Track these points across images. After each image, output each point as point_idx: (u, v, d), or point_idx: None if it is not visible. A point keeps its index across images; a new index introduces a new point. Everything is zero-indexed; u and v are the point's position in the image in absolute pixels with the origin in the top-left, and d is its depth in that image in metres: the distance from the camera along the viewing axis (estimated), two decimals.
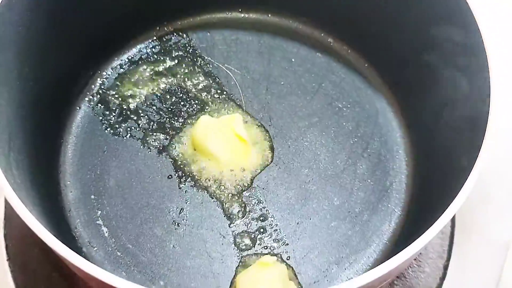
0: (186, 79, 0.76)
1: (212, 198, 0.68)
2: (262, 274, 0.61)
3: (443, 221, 0.49)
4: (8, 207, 0.72)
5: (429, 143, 0.69)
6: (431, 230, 0.49)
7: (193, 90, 0.75)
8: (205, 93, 0.75)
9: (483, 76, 0.57)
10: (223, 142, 0.69)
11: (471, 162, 0.53)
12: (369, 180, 0.70)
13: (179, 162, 0.70)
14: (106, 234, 0.67)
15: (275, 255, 0.65)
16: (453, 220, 0.71)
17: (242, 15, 0.81)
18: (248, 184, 0.69)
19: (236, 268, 0.65)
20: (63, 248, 0.48)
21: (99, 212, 0.68)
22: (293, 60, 0.78)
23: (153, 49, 0.78)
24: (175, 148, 0.71)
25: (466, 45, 0.61)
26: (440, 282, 0.69)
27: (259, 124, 0.73)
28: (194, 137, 0.70)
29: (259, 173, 0.70)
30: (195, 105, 0.74)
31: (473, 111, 0.59)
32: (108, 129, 0.73)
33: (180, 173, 0.69)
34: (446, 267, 0.70)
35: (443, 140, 0.66)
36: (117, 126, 0.73)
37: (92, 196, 0.69)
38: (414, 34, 0.69)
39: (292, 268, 0.65)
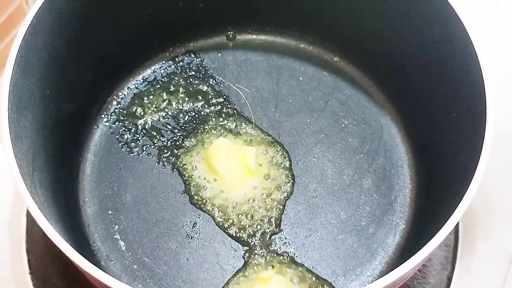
0: (199, 98, 0.79)
1: (223, 212, 0.71)
2: None
3: (446, 230, 0.52)
4: (29, 222, 0.76)
5: (433, 158, 0.71)
6: (435, 239, 0.51)
7: (205, 109, 0.78)
8: (217, 112, 0.78)
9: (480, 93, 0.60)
10: (232, 166, 0.72)
11: (471, 174, 0.55)
12: (374, 195, 0.73)
13: (191, 179, 0.73)
14: (123, 248, 0.70)
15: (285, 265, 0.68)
16: (456, 232, 0.73)
17: (251, 36, 0.84)
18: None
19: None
20: (86, 263, 0.51)
21: (116, 227, 0.71)
22: (300, 78, 0.81)
23: (167, 70, 0.81)
24: (187, 165, 0.74)
25: (468, 63, 0.63)
26: None
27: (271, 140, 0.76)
28: (208, 156, 0.73)
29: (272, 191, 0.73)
30: (207, 123, 0.77)
31: (474, 127, 0.61)
32: (125, 147, 0.76)
33: (192, 189, 0.73)
34: (450, 278, 0.72)
35: (446, 156, 0.68)
36: (133, 144, 0.76)
37: (110, 212, 0.72)
38: (418, 53, 0.72)
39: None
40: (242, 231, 0.70)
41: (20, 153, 0.56)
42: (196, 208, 0.71)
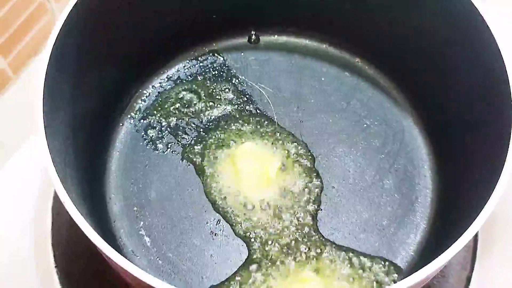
0: (222, 97, 0.80)
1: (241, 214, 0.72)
2: None
3: (468, 235, 0.53)
4: (54, 217, 0.77)
5: (453, 159, 0.72)
6: (457, 244, 0.52)
7: (228, 107, 0.80)
8: (240, 111, 0.79)
9: (506, 96, 0.61)
10: (254, 171, 0.74)
11: (495, 177, 0.56)
12: (395, 195, 0.74)
13: (215, 176, 0.75)
14: (148, 244, 0.71)
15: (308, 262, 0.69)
16: (476, 233, 0.74)
17: (274, 37, 0.85)
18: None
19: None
20: (115, 254, 0.53)
21: (142, 223, 0.72)
22: (322, 79, 0.82)
23: (191, 69, 0.83)
24: (211, 163, 0.75)
25: (488, 66, 0.64)
26: None
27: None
28: (233, 156, 0.75)
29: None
30: (230, 122, 0.78)
31: (498, 129, 0.62)
32: (149, 145, 0.77)
33: (217, 187, 0.74)
34: (469, 279, 0.73)
35: (467, 157, 0.69)
36: (157, 141, 0.77)
37: (135, 208, 0.73)
38: (439, 56, 0.73)
39: None
40: (262, 231, 0.71)
41: (54, 150, 0.57)
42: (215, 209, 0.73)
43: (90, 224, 0.57)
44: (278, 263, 0.69)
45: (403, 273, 0.69)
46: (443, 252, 0.52)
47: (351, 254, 0.69)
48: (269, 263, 0.69)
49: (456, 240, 0.53)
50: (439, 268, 0.52)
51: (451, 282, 0.72)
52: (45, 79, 0.59)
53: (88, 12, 0.65)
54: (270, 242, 0.70)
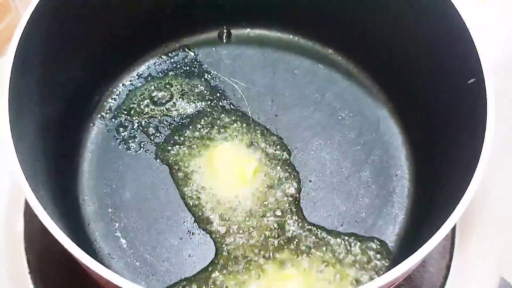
0: (194, 93, 0.79)
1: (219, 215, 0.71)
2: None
3: (448, 225, 0.52)
4: (27, 222, 0.75)
5: (429, 148, 0.72)
6: (437, 236, 0.52)
7: (201, 104, 0.78)
8: (213, 107, 0.78)
9: (481, 81, 0.60)
10: (230, 171, 0.73)
11: (473, 165, 0.56)
12: (373, 186, 0.73)
13: (190, 175, 0.73)
14: (125, 246, 0.69)
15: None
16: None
17: (246, 30, 0.84)
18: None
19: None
20: (91, 261, 0.52)
21: (117, 224, 0.71)
22: (296, 72, 0.81)
23: (161, 65, 0.81)
24: (186, 161, 0.74)
25: (462, 54, 0.64)
26: (444, 281, 0.72)
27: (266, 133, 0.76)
28: (208, 156, 0.74)
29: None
30: (203, 119, 0.77)
31: (472, 115, 0.62)
32: (122, 144, 0.76)
33: (192, 186, 0.73)
34: (448, 267, 0.73)
35: (443, 145, 0.69)
36: (130, 141, 0.76)
37: (110, 209, 0.71)
38: (411, 43, 0.72)
39: None
40: (239, 229, 0.70)
41: (23, 154, 0.56)
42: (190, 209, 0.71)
43: (62, 229, 0.55)
44: (256, 260, 0.68)
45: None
46: (425, 243, 0.52)
47: (330, 248, 0.69)
48: (247, 261, 0.68)
49: (436, 231, 0.52)
50: (420, 260, 0.52)
51: (431, 271, 0.73)
52: (10, 81, 0.57)
53: (53, 10, 0.63)
54: (247, 240, 0.69)
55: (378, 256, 0.69)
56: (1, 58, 0.83)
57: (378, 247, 0.69)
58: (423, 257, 0.51)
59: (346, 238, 0.69)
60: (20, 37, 0.59)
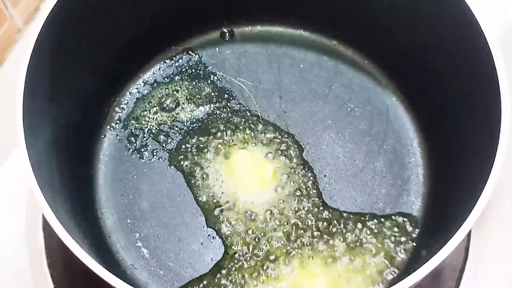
0: (202, 96, 0.79)
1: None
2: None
3: (473, 216, 0.53)
4: (47, 237, 0.75)
5: (441, 134, 0.72)
6: (463, 229, 0.52)
7: (210, 106, 0.78)
8: (222, 108, 0.78)
9: (491, 68, 0.59)
10: (247, 176, 0.73)
11: (490, 151, 0.56)
12: (388, 176, 0.74)
13: (205, 180, 0.74)
14: (147, 255, 0.70)
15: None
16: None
17: (248, 28, 0.83)
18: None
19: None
20: (113, 278, 0.52)
21: (137, 234, 0.71)
22: (301, 66, 0.81)
23: (166, 70, 0.81)
24: (199, 166, 0.74)
25: (469, 40, 0.64)
26: (463, 263, 0.73)
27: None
28: (224, 162, 0.74)
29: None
30: (213, 122, 0.77)
31: (483, 101, 0.62)
32: (134, 154, 0.76)
33: (207, 189, 0.73)
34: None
35: (455, 130, 0.69)
36: (142, 149, 0.76)
37: (129, 220, 0.72)
38: (417, 30, 0.72)
39: None
40: (258, 230, 0.70)
41: (39, 173, 0.56)
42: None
43: (80, 243, 0.56)
44: (281, 260, 0.68)
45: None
46: (447, 237, 0.52)
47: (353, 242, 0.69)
48: (272, 261, 0.68)
49: (458, 223, 0.53)
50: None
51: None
52: (22, 104, 0.57)
53: (58, 25, 0.62)
54: (269, 240, 0.69)
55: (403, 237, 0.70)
56: (2, 68, 0.83)
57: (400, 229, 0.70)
58: (451, 251, 0.52)
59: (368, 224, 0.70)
60: (30, 57, 0.58)
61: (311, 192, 0.72)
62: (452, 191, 0.66)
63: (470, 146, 0.64)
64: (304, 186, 0.73)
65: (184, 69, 0.81)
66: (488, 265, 0.71)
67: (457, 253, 0.73)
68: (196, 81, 0.80)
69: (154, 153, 0.76)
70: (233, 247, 0.69)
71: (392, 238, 0.69)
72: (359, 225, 0.70)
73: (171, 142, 0.76)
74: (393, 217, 0.71)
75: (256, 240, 0.69)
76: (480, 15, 0.61)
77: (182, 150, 0.75)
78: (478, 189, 0.54)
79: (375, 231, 0.70)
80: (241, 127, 0.76)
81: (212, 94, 0.79)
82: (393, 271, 0.67)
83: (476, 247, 0.72)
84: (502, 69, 0.59)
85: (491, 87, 0.59)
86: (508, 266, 0.71)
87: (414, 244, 0.69)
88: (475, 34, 0.61)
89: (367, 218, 0.71)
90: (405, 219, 0.71)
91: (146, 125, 0.77)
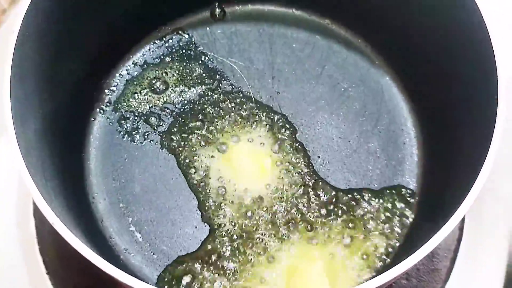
0: (193, 77, 0.77)
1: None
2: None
3: (471, 196, 0.52)
4: (38, 223, 0.74)
5: (436, 114, 0.72)
6: (451, 221, 0.52)
7: (202, 87, 0.77)
8: (213, 90, 0.77)
9: (487, 47, 0.59)
10: (246, 165, 0.72)
11: (486, 131, 0.55)
12: (382, 156, 0.73)
13: (196, 163, 0.73)
14: (140, 239, 0.69)
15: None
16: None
17: (239, 7, 0.81)
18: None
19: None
20: (106, 264, 0.52)
21: (130, 219, 0.70)
22: (294, 45, 0.79)
23: (156, 51, 0.79)
24: (191, 149, 0.73)
25: (465, 16, 0.63)
26: (458, 244, 0.73)
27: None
28: (216, 142, 0.73)
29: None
30: (205, 103, 0.76)
31: (479, 80, 0.61)
32: (126, 137, 0.74)
33: (200, 172, 0.72)
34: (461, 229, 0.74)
35: (450, 110, 0.68)
36: (133, 132, 0.75)
37: (121, 205, 0.71)
38: (410, 8, 0.71)
39: None
40: (251, 212, 0.70)
41: (29, 160, 0.55)
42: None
43: (76, 230, 0.56)
44: (276, 242, 0.68)
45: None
46: (443, 219, 0.52)
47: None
48: (266, 244, 0.68)
49: (456, 206, 0.52)
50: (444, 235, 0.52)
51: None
52: (10, 94, 0.55)
53: (43, 11, 0.60)
54: (263, 222, 0.69)
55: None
56: None
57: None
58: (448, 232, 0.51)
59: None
60: (15, 45, 0.57)
61: (305, 173, 0.72)
62: (447, 172, 0.66)
63: (466, 126, 0.64)
64: (298, 167, 0.72)
65: (174, 50, 0.79)
66: (482, 245, 0.72)
67: (451, 234, 0.73)
68: (187, 62, 0.78)
69: (146, 136, 0.74)
70: (226, 229, 0.69)
71: (387, 219, 0.69)
72: (354, 205, 0.70)
73: (163, 125, 0.75)
74: (387, 197, 0.71)
75: (250, 222, 0.69)
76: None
77: (173, 132, 0.74)
78: (474, 171, 0.54)
79: (370, 211, 0.70)
80: (233, 109, 0.75)
81: (204, 75, 0.78)
82: (387, 253, 0.67)
83: (470, 227, 0.72)
84: (499, 48, 0.58)
85: (487, 66, 0.58)
86: (502, 246, 0.72)
87: (409, 224, 0.69)
88: (470, 10, 0.60)
89: (362, 198, 0.70)
90: (399, 199, 0.71)
91: (136, 108, 0.76)
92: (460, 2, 0.62)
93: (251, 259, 0.67)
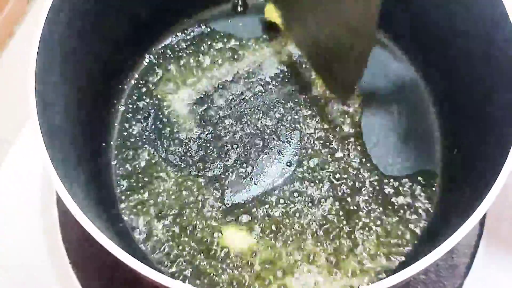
0: (216, 68, 0.78)
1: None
2: None
3: (486, 204, 0.53)
4: (61, 212, 0.75)
5: (458, 105, 0.71)
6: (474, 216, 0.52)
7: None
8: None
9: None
10: None
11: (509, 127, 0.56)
12: (404, 148, 0.73)
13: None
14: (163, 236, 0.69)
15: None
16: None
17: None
18: None
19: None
20: (128, 257, 0.53)
21: (153, 209, 0.71)
22: None
23: (179, 43, 0.80)
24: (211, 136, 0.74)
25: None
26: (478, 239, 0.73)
27: None
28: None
29: None
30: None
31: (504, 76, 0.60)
32: (148, 127, 0.75)
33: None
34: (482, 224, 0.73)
35: (474, 104, 0.68)
36: (155, 120, 0.75)
37: (145, 195, 0.71)
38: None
39: None
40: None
41: (54, 155, 0.55)
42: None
43: (101, 225, 0.56)
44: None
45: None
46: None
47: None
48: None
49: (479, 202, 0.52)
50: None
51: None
52: (35, 71, 0.56)
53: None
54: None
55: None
56: (13, 38, 0.82)
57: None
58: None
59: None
60: (44, 24, 0.58)
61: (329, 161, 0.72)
62: (470, 166, 0.65)
63: (491, 120, 0.63)
64: (324, 156, 0.73)
65: (195, 42, 0.80)
66: (503, 241, 0.71)
67: (472, 229, 0.73)
68: (211, 54, 0.79)
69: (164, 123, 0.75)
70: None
71: (410, 208, 0.70)
72: (378, 190, 0.70)
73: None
74: (411, 187, 0.71)
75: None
76: None
77: (195, 126, 0.75)
78: (497, 165, 0.54)
79: (393, 200, 0.70)
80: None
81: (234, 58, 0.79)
82: (409, 245, 0.68)
83: (491, 223, 0.72)
84: None
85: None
86: None
87: (430, 219, 0.69)
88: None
89: (386, 185, 0.71)
90: (420, 192, 0.71)
91: (157, 100, 0.77)
92: None
93: None
